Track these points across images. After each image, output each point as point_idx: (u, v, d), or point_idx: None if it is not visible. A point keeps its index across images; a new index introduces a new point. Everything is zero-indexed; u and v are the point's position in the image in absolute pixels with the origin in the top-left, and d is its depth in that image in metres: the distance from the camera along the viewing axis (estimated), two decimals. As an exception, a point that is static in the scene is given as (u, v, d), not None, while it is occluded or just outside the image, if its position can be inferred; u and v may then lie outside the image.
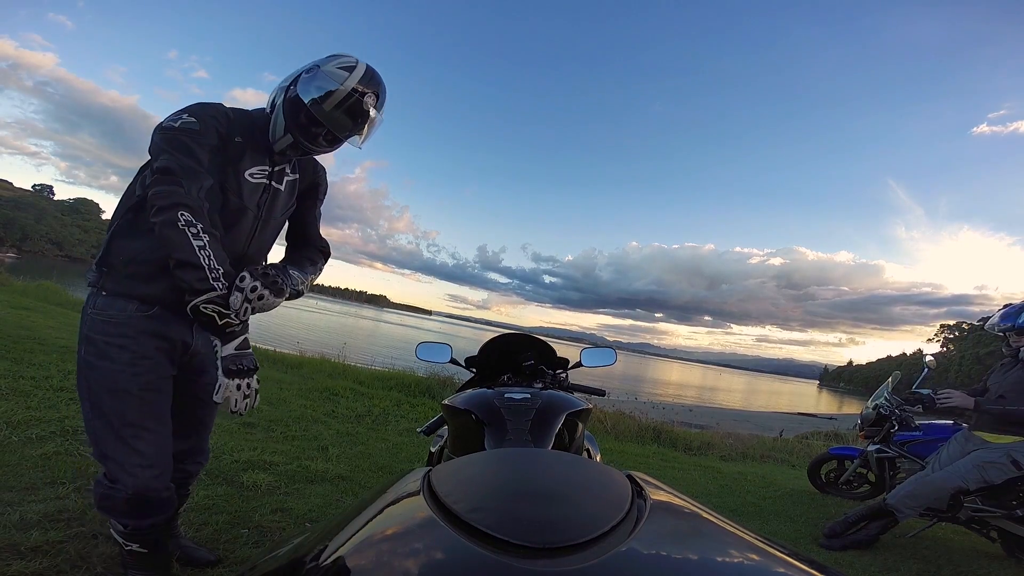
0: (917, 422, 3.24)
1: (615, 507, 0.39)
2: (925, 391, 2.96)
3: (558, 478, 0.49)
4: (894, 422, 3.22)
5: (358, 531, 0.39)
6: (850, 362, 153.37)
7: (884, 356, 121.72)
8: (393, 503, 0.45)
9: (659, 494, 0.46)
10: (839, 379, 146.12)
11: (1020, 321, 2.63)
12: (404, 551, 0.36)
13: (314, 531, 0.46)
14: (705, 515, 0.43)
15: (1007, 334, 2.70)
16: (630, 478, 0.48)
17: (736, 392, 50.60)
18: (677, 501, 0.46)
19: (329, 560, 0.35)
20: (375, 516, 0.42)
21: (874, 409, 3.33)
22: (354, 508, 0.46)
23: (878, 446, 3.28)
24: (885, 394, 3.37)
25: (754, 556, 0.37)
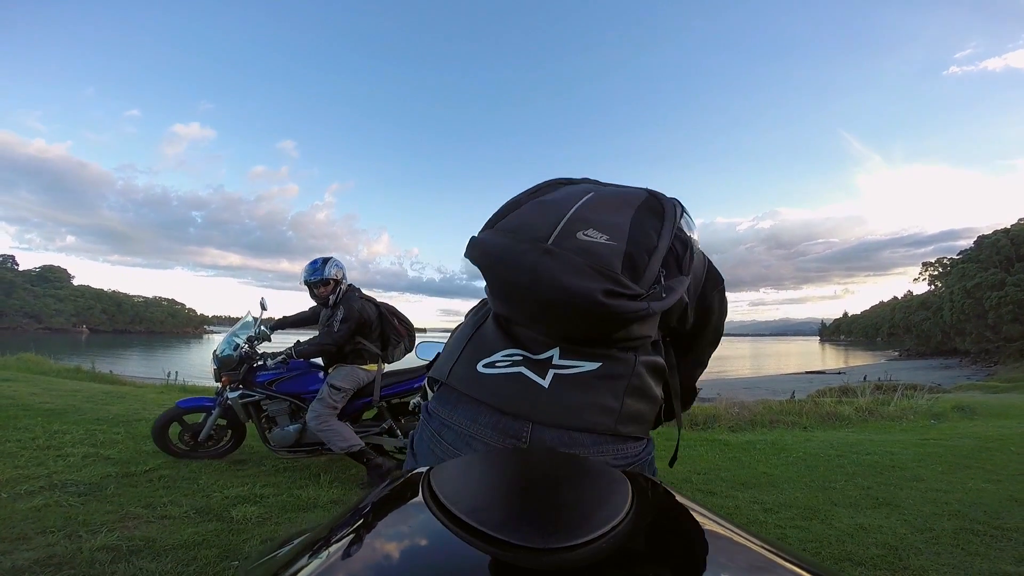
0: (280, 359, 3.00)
1: (615, 507, 0.39)
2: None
3: (558, 478, 0.48)
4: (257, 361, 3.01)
5: (358, 531, 0.39)
6: (845, 314, 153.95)
7: (876, 303, 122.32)
8: (393, 503, 0.45)
9: (659, 494, 0.47)
10: (838, 332, 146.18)
11: None
12: (403, 551, 0.36)
13: (314, 531, 0.45)
14: (705, 515, 0.43)
15: None
16: (630, 477, 0.47)
17: (740, 359, 49.29)
18: (677, 501, 0.46)
19: (329, 560, 0.35)
20: (374, 516, 0.42)
21: (235, 350, 3.00)
22: (353, 508, 0.45)
23: (241, 391, 2.99)
24: (244, 334, 3.10)
25: (754, 556, 0.36)
